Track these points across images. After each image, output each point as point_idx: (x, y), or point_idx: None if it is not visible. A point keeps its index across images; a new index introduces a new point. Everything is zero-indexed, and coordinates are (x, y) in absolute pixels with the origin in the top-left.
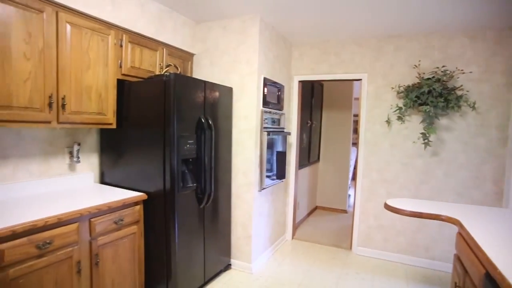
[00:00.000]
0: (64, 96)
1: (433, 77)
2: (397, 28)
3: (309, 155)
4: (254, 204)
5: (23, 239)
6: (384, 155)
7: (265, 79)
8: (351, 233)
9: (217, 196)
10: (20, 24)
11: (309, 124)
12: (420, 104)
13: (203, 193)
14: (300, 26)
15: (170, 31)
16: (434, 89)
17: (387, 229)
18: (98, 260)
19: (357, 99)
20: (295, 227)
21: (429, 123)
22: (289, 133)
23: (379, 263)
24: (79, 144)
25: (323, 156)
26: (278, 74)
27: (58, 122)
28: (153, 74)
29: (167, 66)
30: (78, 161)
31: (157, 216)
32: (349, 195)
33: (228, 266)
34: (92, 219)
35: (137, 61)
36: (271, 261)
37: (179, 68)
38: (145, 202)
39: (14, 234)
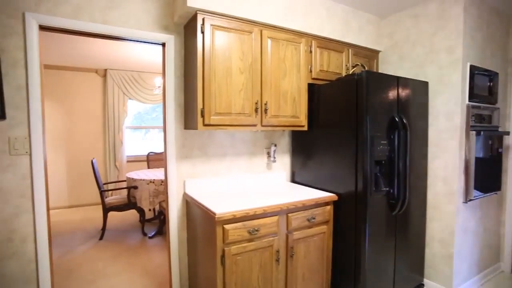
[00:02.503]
0: (267, 102)
1: None
2: None
3: None
4: (457, 218)
5: (239, 224)
6: None
7: (471, 67)
8: None
9: (409, 204)
10: (237, 46)
11: None
12: None
13: (395, 199)
14: None
15: (355, 31)
16: None
17: None
18: (293, 253)
19: None
20: None
21: None
22: (506, 133)
23: None
24: (275, 145)
25: None
26: (489, 60)
27: (262, 125)
28: (340, 76)
29: (354, 66)
30: (274, 161)
31: (346, 219)
32: None
33: (420, 286)
34: (289, 214)
35: (325, 64)
36: None
37: (366, 67)
38: (334, 203)
39: (234, 218)
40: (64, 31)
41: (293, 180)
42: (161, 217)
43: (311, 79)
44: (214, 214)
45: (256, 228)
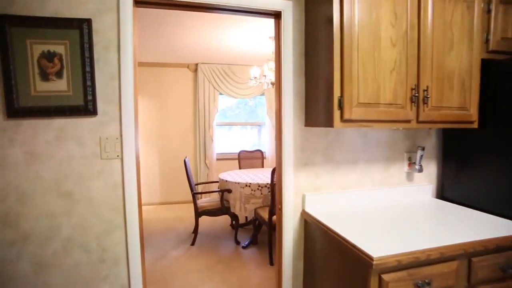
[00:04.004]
0: (427, 87)
1: None
2: None
3: None
4: None
5: (403, 272)
6: None
7: None
8: None
9: None
10: (388, 6)
11: None
12: None
13: None
14: None
15: None
16: None
17: None
18: None
19: None
20: None
21: None
22: None
23: None
24: (423, 149)
25: None
26: None
27: (417, 121)
28: None
29: None
30: (421, 170)
31: None
32: None
33: None
34: (473, 259)
35: (510, 29)
36: None
37: None
38: None
39: (398, 265)
40: (160, 4)
41: (442, 196)
42: (255, 223)
43: (486, 53)
44: (371, 259)
45: (427, 281)
